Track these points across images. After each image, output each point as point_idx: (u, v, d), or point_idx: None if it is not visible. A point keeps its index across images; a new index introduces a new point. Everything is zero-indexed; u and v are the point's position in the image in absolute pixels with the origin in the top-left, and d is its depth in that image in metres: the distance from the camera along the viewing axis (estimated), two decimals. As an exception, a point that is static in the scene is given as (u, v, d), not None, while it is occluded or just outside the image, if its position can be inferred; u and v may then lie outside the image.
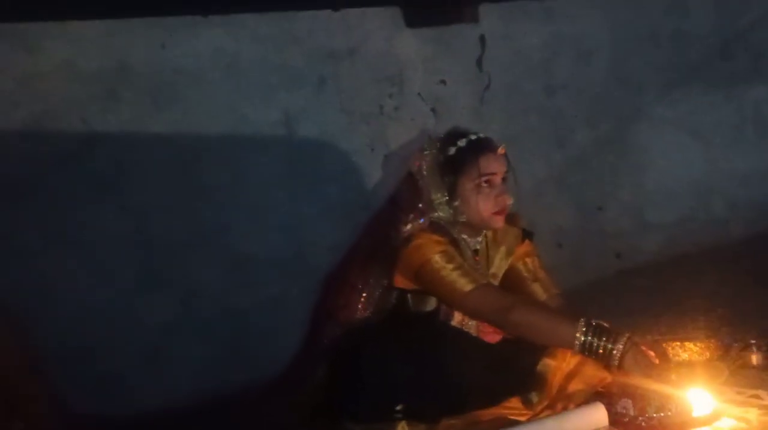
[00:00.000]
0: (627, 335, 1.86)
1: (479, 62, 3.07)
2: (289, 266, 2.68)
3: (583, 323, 1.87)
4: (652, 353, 1.88)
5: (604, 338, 1.85)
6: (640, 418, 1.72)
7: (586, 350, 1.87)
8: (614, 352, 1.84)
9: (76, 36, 2.38)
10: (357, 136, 2.81)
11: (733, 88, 3.70)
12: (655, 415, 1.71)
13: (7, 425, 1.59)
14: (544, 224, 3.14)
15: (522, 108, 3.17)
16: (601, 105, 3.36)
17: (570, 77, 3.28)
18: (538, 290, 2.20)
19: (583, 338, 1.86)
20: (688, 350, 2.13)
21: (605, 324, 1.89)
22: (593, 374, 1.98)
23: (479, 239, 2.19)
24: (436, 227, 2.09)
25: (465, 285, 1.98)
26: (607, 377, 1.94)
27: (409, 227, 2.06)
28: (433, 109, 2.95)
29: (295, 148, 2.71)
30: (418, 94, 2.93)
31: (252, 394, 2.31)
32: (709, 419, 1.81)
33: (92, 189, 2.43)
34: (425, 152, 2.12)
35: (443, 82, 2.99)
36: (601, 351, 1.85)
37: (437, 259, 2.00)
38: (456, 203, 2.10)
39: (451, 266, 2.00)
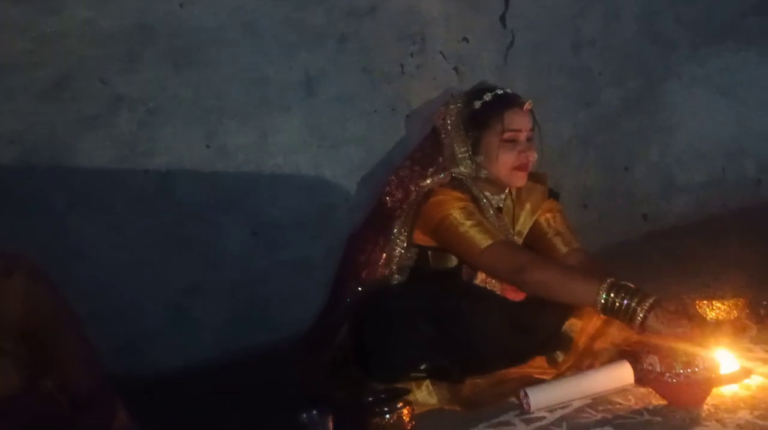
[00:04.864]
0: (654, 297, 1.83)
1: (503, 19, 3.00)
2: (312, 227, 2.67)
3: (608, 284, 1.84)
4: (676, 314, 1.85)
5: (629, 297, 1.82)
6: (667, 374, 1.69)
7: (608, 310, 1.84)
8: (638, 311, 1.81)
9: (96, -5, 2.36)
10: (378, 95, 2.77)
11: (766, 45, 3.60)
12: (681, 371, 1.68)
13: (39, 381, 1.61)
14: (570, 184, 3.10)
15: (547, 66, 3.10)
16: (629, 63, 3.28)
17: (598, 34, 3.20)
18: (559, 244, 2.17)
19: (605, 297, 1.83)
20: (716, 309, 2.08)
21: (631, 285, 1.86)
22: (619, 333, 1.96)
23: (502, 196, 2.16)
24: (456, 183, 2.06)
25: (482, 241, 1.95)
26: (633, 336, 1.92)
27: (429, 181, 2.03)
28: (455, 68, 2.90)
29: (316, 108, 2.68)
30: (441, 52, 2.88)
31: (276, 354, 2.32)
32: (737, 377, 1.79)
33: (115, 152, 2.42)
34: (450, 106, 2.09)
35: (466, 39, 2.93)
36: (623, 310, 1.82)
37: (456, 215, 1.98)
38: (479, 158, 2.07)
39: (469, 223, 1.97)
